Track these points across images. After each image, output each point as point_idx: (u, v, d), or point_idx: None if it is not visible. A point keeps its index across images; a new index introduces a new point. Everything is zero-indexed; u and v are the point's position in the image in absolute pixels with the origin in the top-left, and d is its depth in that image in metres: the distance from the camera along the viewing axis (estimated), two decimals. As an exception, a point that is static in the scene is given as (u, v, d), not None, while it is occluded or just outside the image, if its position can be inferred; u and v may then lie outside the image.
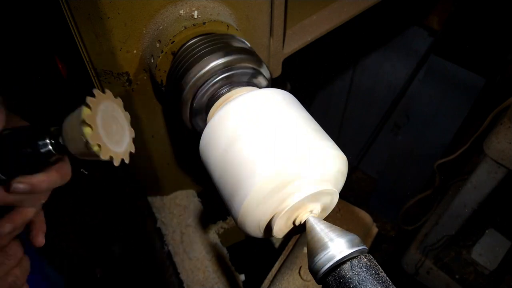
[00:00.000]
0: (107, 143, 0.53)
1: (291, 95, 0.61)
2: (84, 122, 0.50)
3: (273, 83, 0.74)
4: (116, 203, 1.29)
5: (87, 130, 0.50)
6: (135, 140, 0.60)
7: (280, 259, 1.05)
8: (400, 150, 2.51)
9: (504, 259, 1.99)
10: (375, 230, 1.17)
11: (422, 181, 2.36)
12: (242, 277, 1.16)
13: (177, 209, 1.12)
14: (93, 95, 0.52)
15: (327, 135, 0.56)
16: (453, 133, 2.14)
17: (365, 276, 0.45)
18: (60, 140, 0.55)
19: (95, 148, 0.51)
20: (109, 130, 0.54)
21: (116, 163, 0.55)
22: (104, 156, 0.52)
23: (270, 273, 1.04)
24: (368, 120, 2.66)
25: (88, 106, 0.51)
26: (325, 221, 0.52)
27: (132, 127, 0.77)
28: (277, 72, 0.98)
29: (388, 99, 2.44)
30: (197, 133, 0.69)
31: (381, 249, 2.68)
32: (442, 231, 1.91)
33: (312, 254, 0.49)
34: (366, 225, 1.15)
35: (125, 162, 0.56)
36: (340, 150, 0.55)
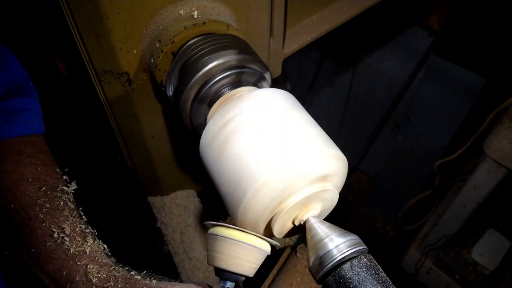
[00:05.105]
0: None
1: (291, 95, 0.61)
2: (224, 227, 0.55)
3: (273, 83, 0.74)
4: (121, 205, 1.29)
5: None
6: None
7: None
8: (400, 150, 2.51)
9: (504, 259, 1.99)
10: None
11: (422, 181, 2.36)
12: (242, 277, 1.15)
13: (177, 209, 1.11)
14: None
15: (326, 135, 0.56)
16: (453, 133, 2.13)
17: (365, 276, 0.45)
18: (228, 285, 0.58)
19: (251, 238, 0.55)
20: None
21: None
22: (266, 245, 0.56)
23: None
24: (368, 120, 2.66)
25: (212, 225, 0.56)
26: (325, 221, 0.52)
27: (133, 127, 0.78)
28: (277, 72, 0.98)
29: (388, 99, 2.44)
30: (197, 133, 0.69)
31: (381, 249, 2.68)
32: (442, 231, 1.91)
33: (312, 254, 0.49)
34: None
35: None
36: (340, 151, 0.55)
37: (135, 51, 0.70)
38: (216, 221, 0.57)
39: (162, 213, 1.11)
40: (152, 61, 0.70)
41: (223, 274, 0.57)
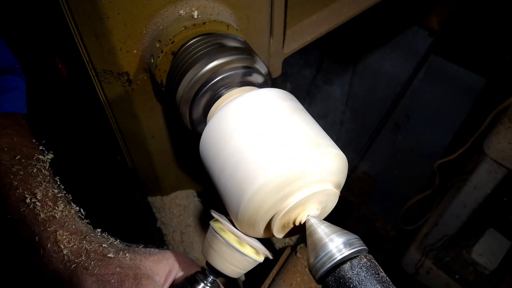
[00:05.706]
0: (254, 244, 0.57)
1: (291, 95, 0.61)
2: (222, 230, 0.56)
3: (273, 83, 0.74)
4: (121, 203, 1.29)
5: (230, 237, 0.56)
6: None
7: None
8: (400, 150, 2.51)
9: (504, 259, 1.99)
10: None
11: (422, 181, 2.36)
12: (242, 277, 1.15)
13: (177, 209, 1.11)
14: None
15: (326, 135, 0.56)
16: (453, 133, 2.14)
17: (365, 276, 0.45)
18: (212, 277, 0.59)
19: (248, 249, 0.56)
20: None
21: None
22: (261, 254, 0.58)
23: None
24: (368, 120, 2.66)
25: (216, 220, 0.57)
26: (325, 221, 0.52)
27: (133, 127, 0.77)
28: (277, 72, 0.98)
29: (388, 99, 2.44)
30: (197, 133, 0.69)
31: (381, 249, 2.68)
32: (442, 231, 1.91)
33: (312, 254, 0.49)
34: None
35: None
36: (340, 150, 0.55)
37: (135, 51, 0.70)
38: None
39: (162, 213, 1.11)
40: (152, 61, 0.70)
41: (210, 267, 0.58)
